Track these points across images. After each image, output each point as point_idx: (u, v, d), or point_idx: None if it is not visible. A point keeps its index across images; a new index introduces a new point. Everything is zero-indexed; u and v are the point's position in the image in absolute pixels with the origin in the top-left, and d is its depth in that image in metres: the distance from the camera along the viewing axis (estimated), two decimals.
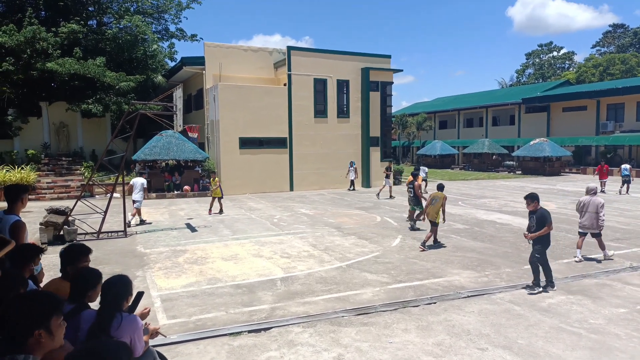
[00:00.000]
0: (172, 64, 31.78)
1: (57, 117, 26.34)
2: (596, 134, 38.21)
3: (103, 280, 3.36)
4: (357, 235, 12.36)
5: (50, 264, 8.02)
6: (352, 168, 24.48)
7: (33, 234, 11.40)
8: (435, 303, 6.94)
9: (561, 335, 5.74)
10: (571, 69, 71.04)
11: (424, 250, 10.39)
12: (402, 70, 28.50)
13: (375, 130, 26.51)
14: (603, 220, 9.34)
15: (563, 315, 6.43)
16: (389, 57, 27.34)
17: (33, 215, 14.89)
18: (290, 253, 10.30)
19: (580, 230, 9.62)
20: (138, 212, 14.48)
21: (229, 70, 25.05)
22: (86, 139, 27.37)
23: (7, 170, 20.33)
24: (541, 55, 75.42)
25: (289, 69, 24.19)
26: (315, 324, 6.19)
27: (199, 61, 25.28)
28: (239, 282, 8.14)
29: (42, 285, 3.96)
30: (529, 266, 7.69)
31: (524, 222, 13.98)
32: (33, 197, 19.92)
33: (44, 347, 2.29)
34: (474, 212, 16.41)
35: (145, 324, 3.73)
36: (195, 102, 28.80)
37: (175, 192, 22.00)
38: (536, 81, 69.60)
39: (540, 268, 7.54)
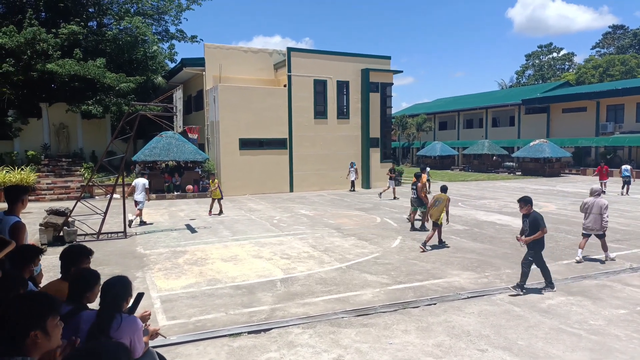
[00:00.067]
0: (172, 65, 31.83)
1: (57, 118, 26.35)
2: (596, 135, 38.23)
3: (102, 282, 3.36)
4: (357, 236, 12.36)
5: (50, 265, 8.03)
6: (352, 169, 24.51)
7: (33, 235, 11.40)
8: (435, 304, 6.94)
9: (561, 337, 5.73)
10: (571, 70, 71.10)
11: (424, 250, 10.40)
12: (402, 71, 28.46)
13: (375, 131, 26.52)
14: (607, 221, 9.36)
15: (563, 316, 6.43)
16: (389, 58, 27.37)
17: (33, 216, 14.89)
18: (290, 254, 10.30)
19: (584, 232, 9.62)
20: (139, 213, 14.51)
21: (229, 71, 25.07)
22: (86, 140, 27.38)
23: (7, 171, 20.33)
24: (541, 57, 75.49)
25: (289, 70, 24.21)
26: (315, 325, 6.19)
27: (199, 62, 25.30)
28: (238, 283, 8.14)
29: (41, 286, 3.96)
30: (536, 267, 7.67)
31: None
32: (33, 198, 19.93)
33: (40, 348, 2.28)
34: (474, 213, 16.41)
35: (145, 325, 3.73)
36: (195, 103, 28.81)
37: (175, 193, 22.01)
38: (536, 82, 69.65)
39: (539, 271, 7.55)
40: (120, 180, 13.18)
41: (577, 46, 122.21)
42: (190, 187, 15.67)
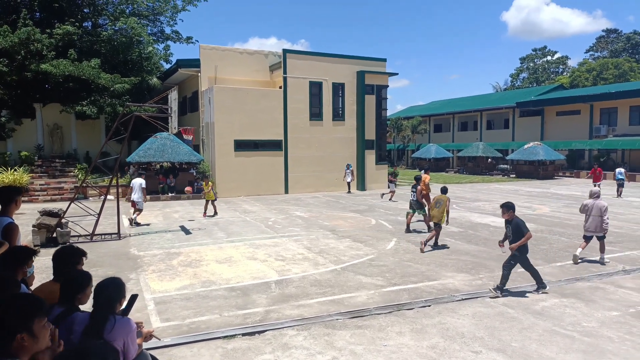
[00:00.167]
0: (167, 66, 31.74)
1: (51, 118, 26.20)
2: (589, 138, 38.49)
3: (96, 283, 3.35)
4: (352, 238, 12.37)
5: (42, 267, 7.97)
6: (348, 170, 24.56)
7: (25, 236, 11.33)
8: (429, 306, 6.96)
9: (554, 338, 5.76)
10: (565, 73, 71.58)
11: (423, 250, 10.54)
12: (397, 74, 28.53)
13: (370, 133, 26.57)
14: (607, 223, 9.45)
15: (556, 318, 6.46)
16: (385, 60, 27.43)
17: (26, 217, 14.80)
18: (285, 256, 10.29)
19: (585, 234, 9.68)
20: (139, 213, 14.56)
21: (225, 72, 25.04)
22: (80, 140, 27.23)
23: (0, 172, 20.19)
24: (535, 60, 75.95)
25: (285, 72, 24.22)
26: (309, 326, 6.18)
27: (195, 63, 25.24)
28: (233, 284, 8.12)
29: (32, 288, 3.93)
30: (523, 269, 7.70)
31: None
32: (26, 199, 19.79)
33: (27, 350, 2.27)
34: (468, 215, 16.46)
35: (139, 326, 3.71)
36: (190, 104, 28.74)
37: (170, 194, 21.94)
38: (530, 85, 70.08)
39: (528, 274, 7.58)
40: (114, 181, 13.12)
41: (571, 50, 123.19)
42: (189, 188, 15.65)
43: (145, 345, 3.84)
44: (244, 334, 5.92)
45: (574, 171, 37.83)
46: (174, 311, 6.79)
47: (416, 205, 13.09)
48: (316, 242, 11.79)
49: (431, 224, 12.28)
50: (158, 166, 23.89)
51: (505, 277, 7.40)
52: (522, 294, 7.52)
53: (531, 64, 76.01)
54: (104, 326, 3.12)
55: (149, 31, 30.44)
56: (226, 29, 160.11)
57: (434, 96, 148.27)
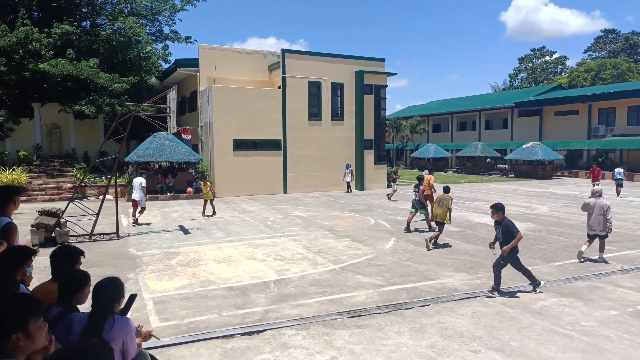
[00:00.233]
0: (166, 65, 31.72)
1: (49, 118, 26.15)
2: (588, 137, 38.54)
3: (95, 283, 3.34)
4: (351, 237, 12.37)
5: (41, 266, 7.96)
6: (348, 170, 24.56)
7: (24, 236, 11.31)
8: (428, 305, 6.96)
9: (553, 338, 5.77)
10: (563, 73, 71.67)
11: (427, 248, 10.70)
12: (396, 74, 28.54)
13: (369, 133, 26.58)
14: (611, 222, 9.50)
15: (555, 317, 6.47)
16: (383, 60, 27.45)
17: (24, 217, 14.77)
18: (284, 255, 10.29)
19: (589, 233, 9.72)
20: (133, 212, 14.56)
21: (223, 72, 25.02)
22: (79, 140, 27.19)
23: None
24: (534, 60, 76.04)
25: (284, 72, 24.21)
26: (308, 326, 6.18)
27: (193, 63, 25.23)
28: (232, 284, 8.12)
29: (30, 288, 3.93)
30: (518, 270, 7.71)
31: (517, 225, 14.06)
32: (24, 198, 19.76)
33: (23, 351, 2.26)
34: (467, 214, 16.47)
35: (138, 326, 3.71)
36: (189, 104, 28.72)
37: (168, 194, 21.92)
38: (529, 85, 70.15)
39: (520, 273, 7.58)
40: (113, 181, 13.10)
41: (570, 50, 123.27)
42: (190, 190, 15.66)
43: (144, 344, 3.83)
44: (242, 334, 5.92)
45: (573, 171, 37.88)
46: (173, 311, 6.79)
47: (418, 205, 13.13)
48: (315, 242, 11.79)
49: (433, 223, 12.34)
50: (157, 166, 23.87)
51: (497, 277, 7.41)
52: (520, 293, 7.53)
53: (530, 64, 76.10)
54: (102, 326, 3.11)
55: (147, 31, 30.42)
56: (225, 29, 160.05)
57: (433, 96, 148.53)
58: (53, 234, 11.50)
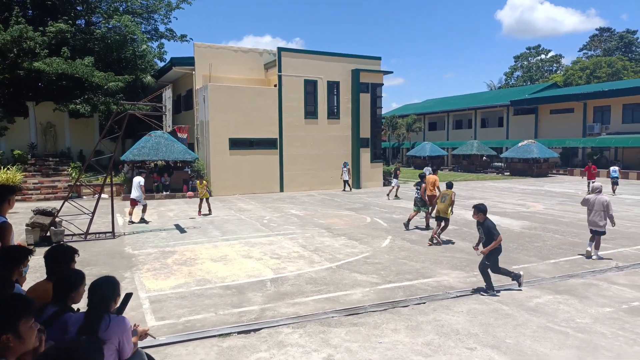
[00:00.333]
0: (161, 64, 31.62)
1: (44, 117, 26.03)
2: (583, 135, 38.72)
3: (90, 282, 3.33)
4: (347, 236, 12.38)
5: (36, 266, 7.93)
6: (345, 169, 24.58)
7: (19, 235, 11.26)
8: (424, 303, 6.98)
9: (548, 335, 5.80)
10: (559, 71, 71.95)
11: (431, 244, 10.93)
12: (392, 72, 28.57)
13: (365, 132, 26.59)
14: (613, 216, 9.64)
15: (550, 314, 6.50)
16: (379, 58, 27.45)
17: (19, 217, 14.70)
18: (280, 254, 10.29)
19: (591, 228, 9.81)
20: (130, 211, 14.57)
21: (219, 71, 24.97)
22: (74, 139, 27.07)
23: None
24: (529, 58, 76.29)
25: (280, 70, 24.18)
26: (305, 324, 6.19)
27: (189, 61, 25.16)
28: (228, 283, 8.11)
29: (24, 288, 3.91)
30: (517, 266, 7.75)
31: (512, 223, 14.16)
32: (19, 198, 19.67)
33: (14, 351, 2.25)
34: (463, 212, 16.51)
35: (134, 325, 3.70)
36: (184, 102, 28.66)
37: (164, 192, 21.86)
38: (524, 84, 70.35)
39: (491, 272, 7.56)
40: (108, 180, 13.06)
41: (565, 48, 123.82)
42: (190, 193, 15.64)
43: (140, 343, 3.83)
44: (239, 332, 5.92)
45: (568, 169, 38.05)
46: (169, 310, 6.78)
47: (420, 203, 13.17)
48: (311, 240, 11.79)
49: (432, 221, 12.42)
50: (152, 165, 23.80)
51: (487, 278, 7.42)
52: (516, 291, 7.56)
53: (525, 63, 76.34)
54: (98, 325, 3.11)
55: (143, 29, 30.31)
56: (220, 27, 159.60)
57: (429, 94, 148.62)
58: (48, 233, 11.45)
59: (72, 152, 26.74)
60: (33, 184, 21.68)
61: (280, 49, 24.51)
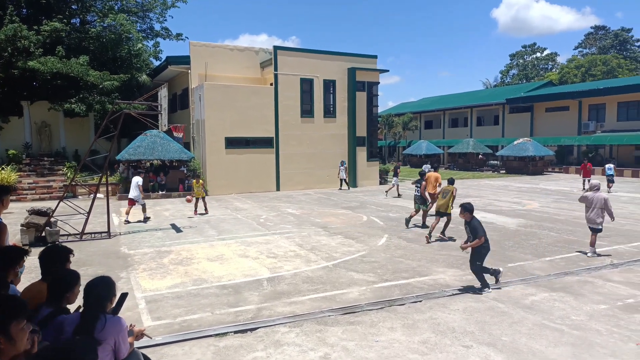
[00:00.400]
0: (157, 63, 31.45)
1: (39, 116, 25.89)
2: (578, 133, 38.86)
3: (86, 282, 3.32)
4: (344, 234, 12.39)
5: (31, 266, 7.89)
6: (342, 167, 24.58)
7: (14, 236, 11.20)
8: (420, 301, 7.00)
9: (544, 332, 5.83)
10: (554, 69, 72.15)
11: (443, 239, 11.19)
12: (388, 71, 28.65)
13: (361, 130, 26.60)
14: (612, 212, 9.76)
15: (546, 312, 6.53)
16: (375, 57, 27.45)
17: (14, 217, 14.63)
18: (277, 253, 10.29)
19: (589, 225, 9.87)
20: (128, 210, 14.70)
21: (215, 69, 24.91)
22: (69, 138, 26.94)
23: None
24: (525, 56, 76.45)
25: (276, 69, 24.14)
26: (301, 323, 6.19)
27: (185, 60, 25.08)
28: (224, 282, 8.10)
29: (19, 288, 3.89)
30: (513, 264, 7.78)
31: (508, 221, 14.21)
32: (14, 198, 19.55)
33: (5, 353, 2.23)
34: (459, 211, 16.54)
35: (130, 325, 3.69)
36: (180, 101, 28.56)
37: (160, 192, 21.80)
38: (520, 82, 70.54)
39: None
40: (104, 179, 13.01)
41: (560, 46, 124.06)
42: (190, 197, 15.65)
43: (136, 344, 3.82)
44: (235, 332, 5.92)
45: (563, 167, 38.18)
46: (165, 310, 6.77)
47: (419, 200, 13.20)
48: (308, 239, 11.79)
49: (428, 220, 12.47)
50: (148, 164, 23.73)
51: (480, 277, 7.44)
52: (512, 288, 7.59)
53: (521, 61, 76.50)
54: (94, 325, 3.10)
55: (138, 28, 30.15)
56: (216, 26, 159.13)
57: (425, 93, 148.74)
58: (43, 234, 11.41)
59: (67, 151, 26.61)
60: (28, 183, 21.57)
61: (276, 48, 24.47)
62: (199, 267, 9.11)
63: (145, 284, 8.05)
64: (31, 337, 2.38)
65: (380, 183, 27.75)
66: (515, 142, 37.22)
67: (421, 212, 13.41)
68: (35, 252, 4.00)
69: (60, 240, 11.30)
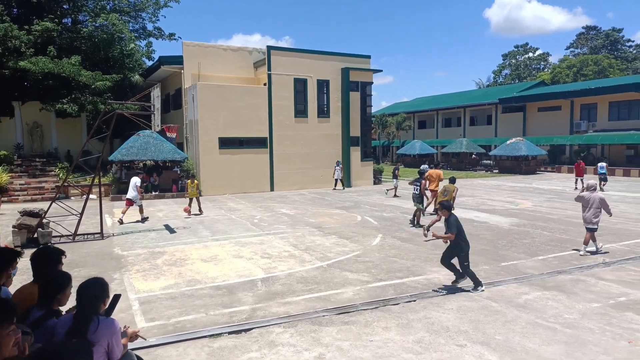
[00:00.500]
0: (149, 63, 31.28)
1: (30, 117, 25.67)
2: (570, 133, 39.15)
3: (78, 284, 3.30)
4: (338, 234, 12.40)
5: (24, 268, 7.82)
6: (338, 167, 24.60)
7: (6, 237, 11.12)
8: (415, 301, 7.02)
9: (537, 330, 5.86)
10: (546, 69, 72.63)
11: (426, 235, 11.07)
12: (381, 71, 28.69)
13: (355, 130, 26.63)
14: (610, 210, 9.88)
15: (539, 310, 6.57)
16: (369, 57, 27.49)
17: (6, 218, 14.50)
18: (271, 253, 10.27)
19: (586, 226, 9.93)
20: (124, 210, 14.68)
21: (208, 69, 24.83)
22: (61, 139, 26.73)
23: None
24: (517, 56, 76.90)
25: (269, 69, 24.11)
26: (296, 324, 6.19)
27: (178, 60, 24.98)
28: (219, 283, 8.08)
29: (10, 290, 3.86)
30: (506, 263, 7.83)
31: (502, 220, 14.28)
32: (6, 199, 19.39)
33: None
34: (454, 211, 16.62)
35: (124, 327, 3.67)
36: (173, 101, 28.44)
37: (153, 193, 21.70)
38: (512, 82, 70.95)
39: (454, 262, 7.59)
40: (96, 180, 12.93)
41: (552, 46, 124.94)
42: (187, 207, 15.63)
43: (130, 345, 3.80)
44: (230, 333, 5.90)
45: (555, 166, 38.45)
46: (159, 311, 6.74)
47: (417, 199, 13.24)
48: (302, 239, 11.79)
49: (422, 220, 12.53)
50: (141, 164, 23.61)
51: (472, 276, 7.45)
52: (505, 287, 7.63)
53: (513, 61, 76.96)
54: (87, 327, 3.08)
55: (130, 28, 29.96)
56: (209, 26, 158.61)
57: (419, 93, 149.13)
58: (35, 235, 11.31)
59: (59, 152, 26.40)
60: (20, 185, 21.39)
61: (269, 48, 24.44)
62: (193, 268, 9.08)
63: (138, 285, 8.01)
64: (26, 339, 2.35)
65: (374, 183, 27.79)
66: (508, 142, 37.43)
67: (419, 210, 13.48)
68: (28, 253, 3.97)
69: (52, 242, 11.21)
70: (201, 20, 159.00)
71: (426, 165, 20.20)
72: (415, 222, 13.32)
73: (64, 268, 3.91)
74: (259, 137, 24.03)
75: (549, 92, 42.22)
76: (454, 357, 5.17)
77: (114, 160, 21.47)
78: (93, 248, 11.07)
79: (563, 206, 17.09)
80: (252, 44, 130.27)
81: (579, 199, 10.10)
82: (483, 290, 7.36)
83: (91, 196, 13.47)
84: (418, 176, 13.62)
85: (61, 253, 3.82)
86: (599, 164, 23.65)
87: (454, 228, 7.37)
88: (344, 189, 24.91)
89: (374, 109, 33.43)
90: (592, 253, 9.85)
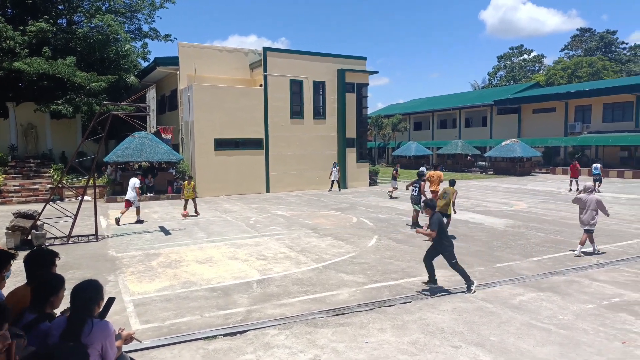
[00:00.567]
0: (145, 64, 31.22)
1: (24, 118, 25.53)
2: (565, 134, 39.36)
3: (72, 286, 3.28)
4: (334, 236, 12.40)
5: (17, 270, 7.78)
6: (335, 169, 24.61)
7: None
8: (410, 302, 7.03)
9: (532, 332, 5.88)
10: (541, 71, 72.99)
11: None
12: (377, 72, 28.71)
13: (351, 132, 26.65)
14: (607, 211, 9.98)
15: (533, 311, 6.59)
16: (365, 58, 27.55)
17: None
18: (267, 255, 10.26)
19: (583, 227, 10.00)
20: (123, 211, 14.68)
21: (204, 70, 24.79)
22: (55, 140, 26.61)
23: None
24: (512, 58, 77.25)
25: (265, 70, 24.10)
26: (291, 325, 6.18)
27: (173, 61, 24.93)
28: (214, 285, 8.06)
29: (4, 292, 3.84)
30: (501, 264, 7.85)
31: (496, 222, 14.33)
32: None
33: None
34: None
35: (119, 329, 3.66)
36: (169, 102, 28.36)
37: (148, 194, 21.63)
38: (507, 83, 71.23)
39: (431, 262, 7.66)
40: (91, 182, 12.88)
41: (547, 48, 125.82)
42: (185, 212, 15.63)
43: (125, 347, 3.79)
44: (225, 335, 5.89)
45: (550, 167, 38.63)
46: (154, 313, 6.71)
47: (414, 201, 13.26)
48: (298, 241, 11.78)
49: (421, 221, 12.51)
50: (136, 166, 23.54)
51: (463, 274, 7.48)
52: (500, 289, 7.65)
53: (508, 63, 77.31)
54: (81, 329, 3.06)
55: (126, 28, 29.90)
56: (205, 27, 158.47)
57: (414, 94, 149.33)
58: (29, 237, 11.24)
59: (53, 153, 26.28)
60: (13, 186, 21.27)
61: (265, 49, 24.43)
62: (188, 270, 9.06)
63: (133, 287, 7.98)
64: (19, 342, 2.33)
65: (370, 184, 27.82)
66: (503, 143, 37.58)
67: (418, 212, 13.47)
68: (21, 255, 3.94)
69: (46, 244, 11.15)
70: (197, 21, 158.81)
71: (424, 168, 20.28)
72: (412, 223, 13.33)
73: (58, 270, 3.89)
74: (254, 138, 24.02)
75: (544, 93, 42.44)
76: (449, 358, 5.18)
77: (109, 161, 21.39)
78: (87, 250, 11.02)
79: (557, 207, 17.17)
80: (248, 45, 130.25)
81: (576, 200, 10.17)
82: (474, 292, 7.36)
83: (86, 198, 13.41)
84: (417, 178, 13.63)
85: (55, 255, 3.81)
86: (594, 165, 23.79)
87: (435, 226, 7.40)
88: (339, 190, 24.92)
89: (369, 111, 33.54)
90: (590, 254, 9.90)
